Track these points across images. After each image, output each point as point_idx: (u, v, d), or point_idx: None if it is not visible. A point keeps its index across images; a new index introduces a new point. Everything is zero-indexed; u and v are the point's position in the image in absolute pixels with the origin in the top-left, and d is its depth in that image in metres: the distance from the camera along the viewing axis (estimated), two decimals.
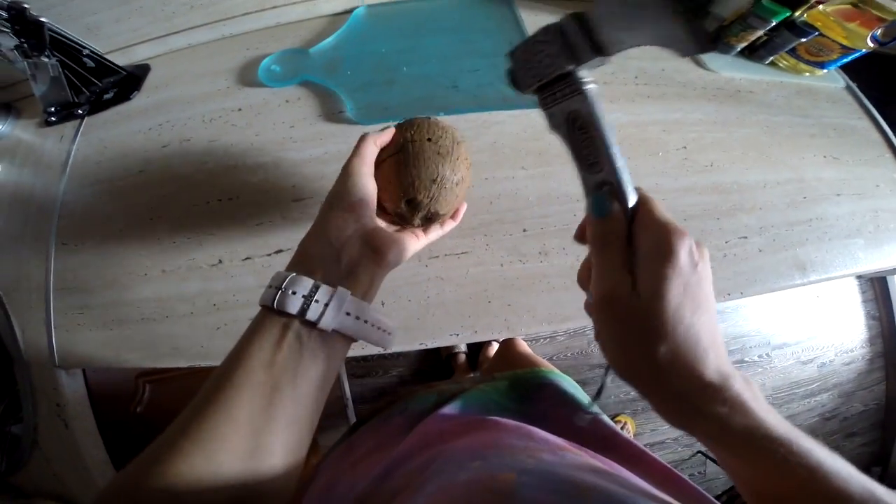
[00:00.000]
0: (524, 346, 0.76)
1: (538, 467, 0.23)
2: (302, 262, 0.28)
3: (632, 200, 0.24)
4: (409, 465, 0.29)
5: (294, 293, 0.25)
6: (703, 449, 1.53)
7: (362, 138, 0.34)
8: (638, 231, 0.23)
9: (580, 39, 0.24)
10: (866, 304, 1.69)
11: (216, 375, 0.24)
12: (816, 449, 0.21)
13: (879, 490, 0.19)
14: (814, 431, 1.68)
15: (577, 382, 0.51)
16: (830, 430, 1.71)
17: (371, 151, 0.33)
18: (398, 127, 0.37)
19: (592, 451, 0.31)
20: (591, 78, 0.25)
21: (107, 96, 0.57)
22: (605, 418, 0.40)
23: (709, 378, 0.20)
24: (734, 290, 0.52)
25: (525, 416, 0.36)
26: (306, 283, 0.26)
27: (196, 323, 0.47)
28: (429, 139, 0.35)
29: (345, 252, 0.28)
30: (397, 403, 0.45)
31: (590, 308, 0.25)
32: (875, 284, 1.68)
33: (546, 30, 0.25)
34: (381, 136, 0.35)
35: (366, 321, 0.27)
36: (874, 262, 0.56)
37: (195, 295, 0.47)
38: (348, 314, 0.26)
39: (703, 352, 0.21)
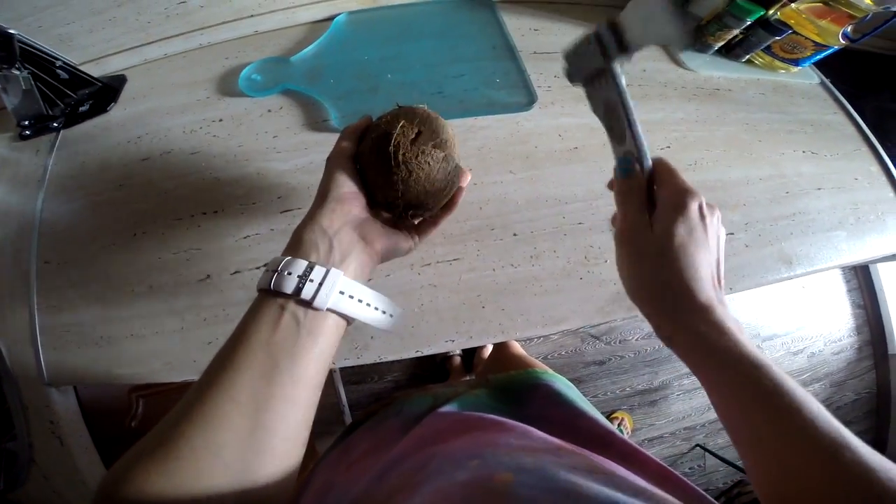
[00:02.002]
0: (517, 348, 0.77)
1: (536, 467, 0.23)
2: (296, 248, 0.29)
3: (648, 165, 0.31)
4: (406, 465, 0.30)
5: (289, 274, 0.26)
6: (702, 442, 1.58)
7: (343, 131, 0.36)
8: (659, 188, 0.30)
9: (611, 42, 0.30)
10: (851, 294, 1.75)
11: (216, 358, 0.25)
12: (789, 380, 0.24)
13: (847, 432, 0.22)
14: None
15: (572, 381, 0.52)
16: None
17: (347, 145, 0.35)
18: (382, 119, 0.36)
19: (589, 450, 0.32)
20: (621, 72, 0.32)
21: (83, 108, 0.56)
22: (601, 418, 0.41)
23: (699, 301, 0.26)
24: (724, 286, 0.54)
25: (521, 417, 0.36)
26: (301, 264, 0.27)
27: (188, 338, 0.47)
28: (413, 138, 0.34)
29: (337, 240, 0.30)
30: (392, 405, 0.45)
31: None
32: (858, 273, 1.74)
33: (587, 36, 0.32)
34: (355, 126, 0.36)
35: (360, 300, 0.29)
36: (857, 253, 0.59)
37: (184, 310, 0.47)
38: (342, 293, 0.27)
39: (697, 281, 0.27)
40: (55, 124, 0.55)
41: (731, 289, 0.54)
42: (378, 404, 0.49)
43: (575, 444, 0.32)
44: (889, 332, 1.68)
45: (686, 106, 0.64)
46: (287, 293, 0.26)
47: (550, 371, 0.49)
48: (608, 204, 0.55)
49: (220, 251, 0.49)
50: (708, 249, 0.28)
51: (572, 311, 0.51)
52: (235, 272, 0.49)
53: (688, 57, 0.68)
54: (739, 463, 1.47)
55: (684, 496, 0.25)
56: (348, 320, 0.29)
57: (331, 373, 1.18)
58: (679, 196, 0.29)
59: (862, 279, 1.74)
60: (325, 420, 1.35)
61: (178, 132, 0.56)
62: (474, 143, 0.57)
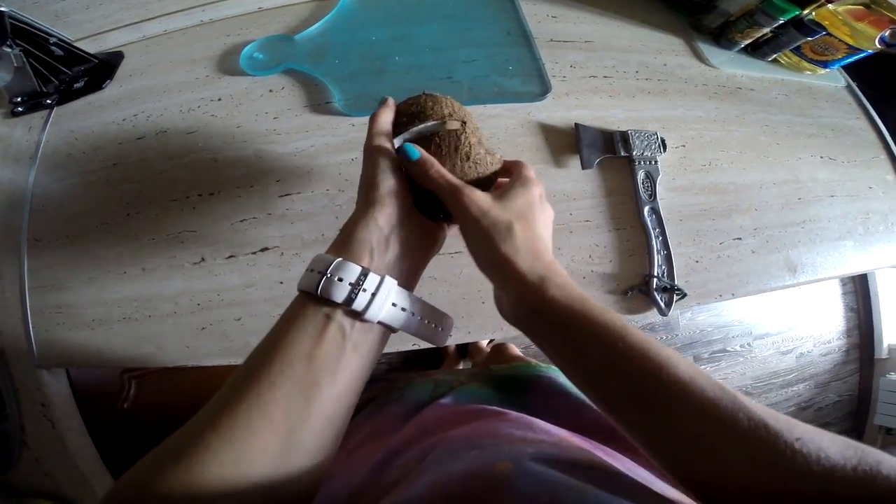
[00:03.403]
0: (515, 350, 0.76)
1: (536, 457, 0.22)
2: (347, 247, 0.25)
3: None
4: (406, 456, 0.29)
5: (340, 280, 0.23)
6: None
7: (373, 119, 0.31)
8: (512, 178, 0.30)
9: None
10: (846, 297, 1.73)
11: (250, 365, 0.22)
12: (614, 321, 0.23)
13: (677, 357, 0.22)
14: None
15: None
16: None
17: (386, 135, 0.30)
18: (418, 106, 0.32)
19: (594, 439, 0.31)
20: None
21: (77, 85, 0.53)
22: None
23: (527, 277, 0.25)
24: (725, 291, 0.51)
25: (523, 407, 0.35)
26: (354, 270, 0.24)
27: (180, 323, 0.44)
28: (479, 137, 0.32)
29: (393, 239, 0.26)
30: (393, 391, 0.44)
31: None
32: (855, 277, 1.72)
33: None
34: (386, 113, 0.32)
35: (413, 313, 0.26)
36: (861, 263, 0.56)
37: (177, 294, 0.45)
38: (394, 305, 0.25)
39: (525, 258, 0.26)
40: (48, 101, 0.52)
41: (732, 294, 0.51)
42: (378, 389, 0.46)
43: (579, 433, 0.30)
44: (878, 336, 1.67)
45: (706, 104, 0.60)
46: (337, 302, 0.23)
47: (553, 366, 0.47)
48: (617, 202, 0.53)
49: (216, 234, 0.47)
50: (546, 224, 0.30)
51: None
52: (230, 256, 0.46)
53: (711, 53, 0.64)
54: None
55: None
56: (394, 330, 0.26)
57: None
58: (525, 181, 0.30)
59: (858, 283, 1.71)
60: None
61: (175, 111, 0.52)
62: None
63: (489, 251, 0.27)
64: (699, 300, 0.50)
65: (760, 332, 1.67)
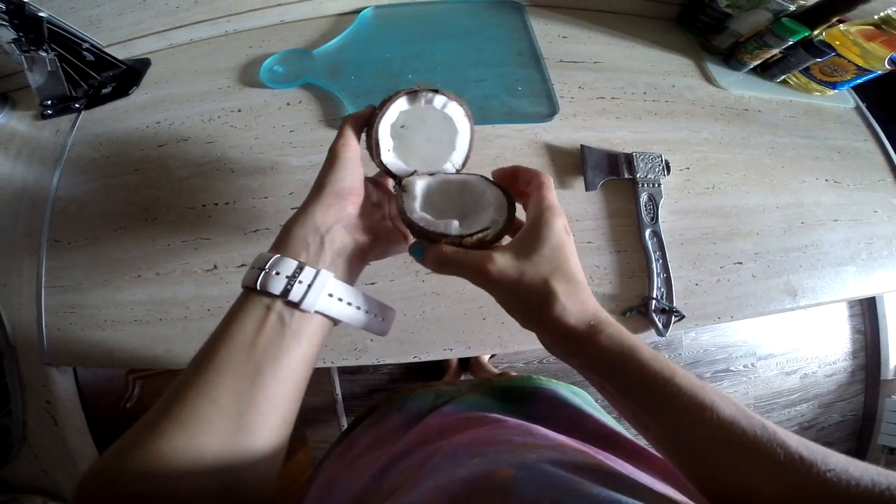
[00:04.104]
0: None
1: (538, 463, 0.22)
2: (285, 244, 0.27)
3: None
4: (408, 462, 0.28)
5: (277, 274, 0.25)
6: None
7: (345, 120, 0.31)
8: (531, 213, 0.28)
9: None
10: (853, 319, 1.69)
11: (197, 357, 0.24)
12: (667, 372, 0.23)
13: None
14: None
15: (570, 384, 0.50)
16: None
17: (354, 136, 0.31)
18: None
19: (595, 447, 0.30)
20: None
21: (105, 91, 0.54)
22: (609, 420, 0.39)
23: (577, 329, 0.25)
24: (724, 313, 0.51)
25: (525, 416, 0.35)
26: (290, 264, 0.25)
27: (190, 327, 0.45)
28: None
29: (329, 239, 0.27)
30: (395, 401, 0.44)
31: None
32: (864, 300, 1.68)
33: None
34: (359, 115, 0.32)
35: (350, 303, 0.27)
36: (863, 288, 0.55)
37: (189, 299, 0.46)
38: (330, 295, 0.26)
39: (571, 312, 0.25)
40: (77, 105, 0.53)
41: (731, 317, 0.51)
42: (380, 399, 0.47)
43: (581, 441, 0.30)
44: (885, 358, 1.63)
45: (712, 126, 0.60)
46: (274, 294, 0.24)
47: (555, 380, 0.46)
48: (619, 224, 0.53)
49: (229, 243, 0.48)
50: (577, 261, 0.27)
51: None
52: (242, 265, 0.47)
53: (720, 74, 0.64)
54: None
55: (691, 494, 0.24)
56: (335, 321, 0.27)
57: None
58: (544, 215, 0.27)
59: (866, 306, 1.68)
60: (319, 409, 1.36)
61: (196, 120, 0.54)
62: (490, 151, 0.54)
63: (530, 316, 0.26)
64: (697, 322, 0.50)
65: (764, 352, 1.64)
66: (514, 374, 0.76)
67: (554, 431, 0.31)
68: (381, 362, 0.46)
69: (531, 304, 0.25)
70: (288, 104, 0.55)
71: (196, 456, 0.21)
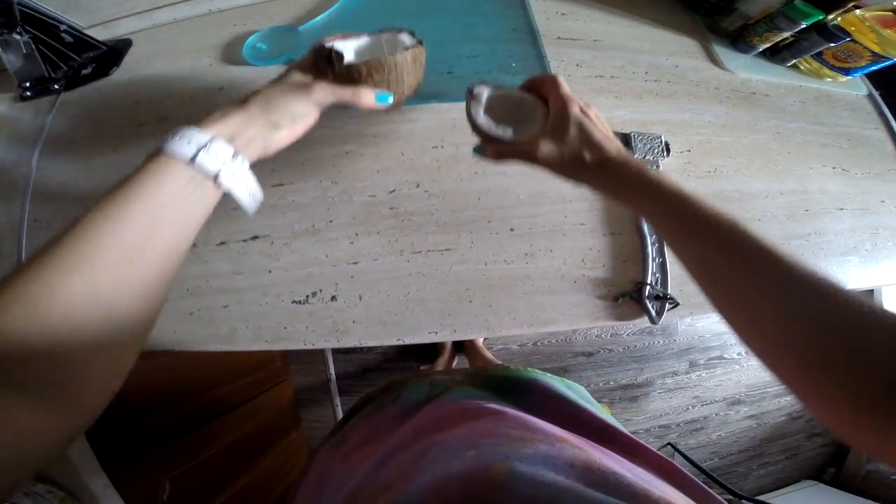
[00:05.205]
0: None
1: (534, 458, 0.22)
2: (210, 121, 0.30)
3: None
4: (403, 456, 0.28)
5: (189, 142, 0.27)
6: (674, 442, 1.53)
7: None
8: (553, 108, 0.35)
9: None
10: None
11: (97, 206, 0.24)
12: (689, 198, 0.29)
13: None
14: (779, 429, 1.67)
15: (558, 370, 0.48)
16: (795, 429, 1.70)
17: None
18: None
19: (590, 440, 0.30)
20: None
21: (85, 72, 0.52)
22: (603, 414, 0.38)
23: (612, 154, 0.32)
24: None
25: (520, 407, 0.34)
26: (202, 137, 0.28)
27: (169, 307, 0.43)
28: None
29: (253, 121, 0.31)
30: (389, 392, 0.43)
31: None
32: (863, 292, 1.63)
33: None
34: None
35: (246, 188, 0.30)
36: (864, 280, 0.52)
37: None
38: (225, 165, 0.28)
39: (605, 143, 0.32)
40: (56, 86, 0.51)
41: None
42: (375, 389, 0.46)
43: (576, 434, 0.30)
44: None
45: (716, 108, 0.56)
46: (184, 155, 0.27)
47: (549, 374, 0.45)
48: (614, 206, 0.50)
49: (208, 222, 0.44)
50: (597, 127, 0.33)
51: (561, 314, 0.46)
52: (221, 243, 0.45)
53: (727, 56, 0.59)
54: (705, 465, 1.45)
55: (686, 490, 0.24)
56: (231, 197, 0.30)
57: None
58: (562, 106, 0.34)
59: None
60: (312, 388, 1.35)
61: (177, 99, 0.51)
62: None
63: (577, 176, 0.33)
64: (692, 311, 0.47)
65: None
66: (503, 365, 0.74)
67: (550, 424, 0.30)
68: (364, 345, 0.43)
69: (574, 168, 0.33)
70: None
71: (90, 295, 0.21)
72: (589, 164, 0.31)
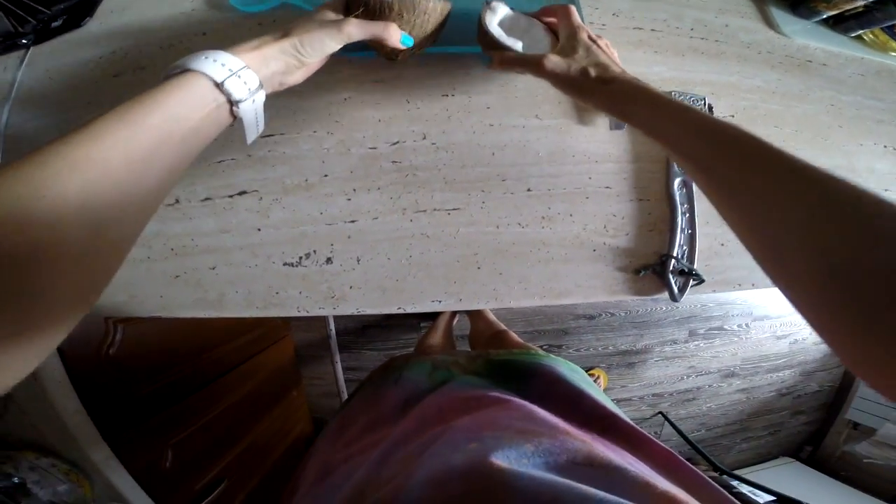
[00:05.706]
0: (516, 338, 0.71)
1: (536, 454, 0.23)
2: (243, 49, 0.29)
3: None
4: (407, 449, 0.28)
5: (223, 65, 0.26)
6: (665, 411, 1.56)
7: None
8: (562, 32, 0.35)
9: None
10: None
11: (115, 109, 0.23)
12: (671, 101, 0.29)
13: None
14: (767, 405, 1.70)
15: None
16: (782, 405, 1.73)
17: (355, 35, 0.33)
18: None
19: (593, 431, 0.30)
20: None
21: (55, 24, 0.45)
22: (606, 401, 0.37)
23: (617, 75, 0.32)
24: (746, 280, 0.45)
25: (524, 394, 0.34)
26: (237, 62, 0.27)
27: (153, 269, 0.39)
28: None
29: (277, 73, 0.31)
30: (390, 371, 0.42)
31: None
32: None
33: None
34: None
35: (253, 101, 0.29)
36: None
37: (151, 237, 0.40)
38: (254, 101, 0.29)
39: (607, 70, 0.32)
40: (24, 41, 0.44)
41: (753, 284, 0.45)
42: (376, 370, 0.46)
43: (578, 424, 0.30)
44: None
45: (767, 73, 0.49)
46: (215, 78, 0.26)
47: (553, 356, 0.43)
48: (645, 169, 0.44)
49: (192, 175, 0.40)
50: (604, 53, 0.33)
51: (577, 285, 0.42)
52: (206, 199, 0.40)
53: (784, 20, 0.51)
54: (692, 436, 1.47)
55: (690, 485, 0.24)
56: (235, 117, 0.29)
57: None
58: (572, 31, 0.34)
59: None
60: (312, 344, 1.35)
61: (155, 47, 0.44)
62: (498, 77, 0.44)
63: (580, 90, 0.33)
64: (716, 288, 0.43)
65: (761, 313, 1.59)
66: (517, 339, 0.72)
67: (552, 413, 0.30)
68: (361, 312, 0.40)
69: (579, 81, 0.32)
70: (260, 25, 0.44)
71: (83, 196, 0.20)
72: (594, 78, 0.32)
